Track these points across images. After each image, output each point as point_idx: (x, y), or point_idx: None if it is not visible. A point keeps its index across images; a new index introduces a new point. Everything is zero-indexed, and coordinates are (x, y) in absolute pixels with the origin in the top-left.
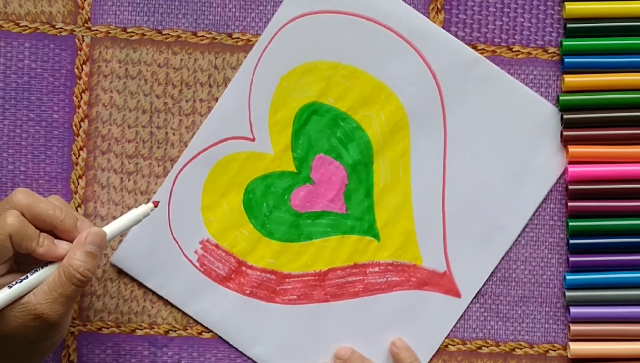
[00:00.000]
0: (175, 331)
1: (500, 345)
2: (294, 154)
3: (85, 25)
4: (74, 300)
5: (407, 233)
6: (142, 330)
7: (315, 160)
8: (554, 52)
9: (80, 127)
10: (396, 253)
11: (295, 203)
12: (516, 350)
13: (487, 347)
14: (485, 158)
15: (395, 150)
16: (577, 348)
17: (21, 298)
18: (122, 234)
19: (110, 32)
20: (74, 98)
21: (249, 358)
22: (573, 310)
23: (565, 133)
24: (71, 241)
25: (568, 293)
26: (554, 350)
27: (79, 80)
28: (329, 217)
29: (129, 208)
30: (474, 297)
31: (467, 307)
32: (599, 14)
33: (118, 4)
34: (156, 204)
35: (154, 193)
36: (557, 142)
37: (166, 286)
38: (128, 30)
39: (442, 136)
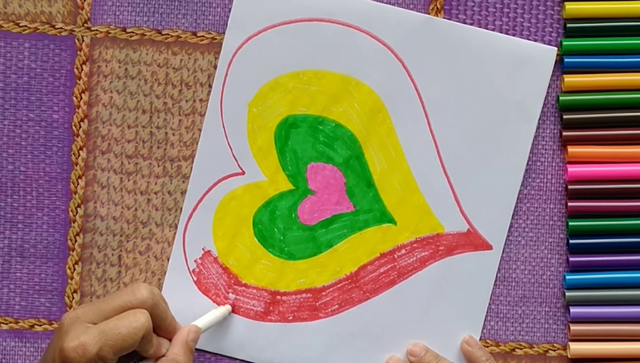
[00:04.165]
0: None
1: (500, 345)
2: (287, 173)
3: (85, 25)
4: None
5: (419, 206)
6: None
7: (308, 171)
8: None
9: (80, 127)
10: (416, 230)
11: (304, 218)
12: (516, 350)
13: (487, 347)
14: (467, 110)
15: (380, 134)
16: (577, 348)
17: None
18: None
19: (110, 33)
20: (74, 98)
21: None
22: (573, 310)
23: (564, 133)
24: (165, 336)
25: (568, 293)
26: (554, 350)
27: (79, 80)
28: (340, 220)
29: (129, 208)
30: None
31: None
32: (599, 14)
33: (118, 4)
34: (232, 307)
35: (154, 193)
36: (530, 73)
37: (213, 341)
38: (128, 30)
39: (420, 104)
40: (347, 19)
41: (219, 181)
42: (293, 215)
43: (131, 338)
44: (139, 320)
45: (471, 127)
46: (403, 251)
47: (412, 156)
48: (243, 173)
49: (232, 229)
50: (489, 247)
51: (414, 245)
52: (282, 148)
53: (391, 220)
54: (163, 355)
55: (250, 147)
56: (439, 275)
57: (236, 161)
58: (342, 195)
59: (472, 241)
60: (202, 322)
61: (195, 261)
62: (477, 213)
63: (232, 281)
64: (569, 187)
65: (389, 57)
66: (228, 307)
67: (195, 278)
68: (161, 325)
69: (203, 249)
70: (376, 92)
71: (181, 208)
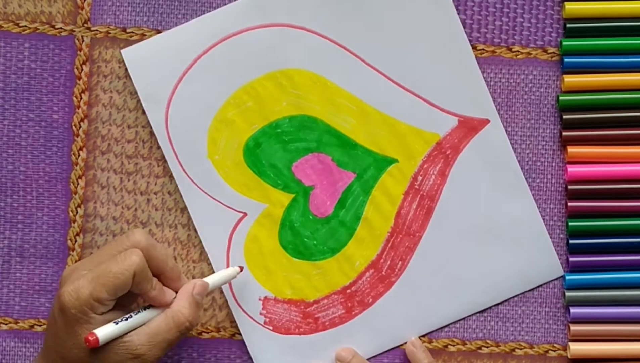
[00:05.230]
0: None
1: (500, 346)
2: (279, 187)
3: (85, 25)
4: (173, 345)
5: (406, 132)
6: None
7: (295, 172)
8: (553, 52)
9: (80, 127)
10: (417, 153)
11: (320, 212)
12: (516, 350)
13: (487, 347)
14: (391, 33)
15: (331, 99)
16: (577, 348)
17: (122, 335)
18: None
19: (110, 33)
20: (74, 98)
21: (249, 358)
22: (573, 310)
23: (564, 133)
24: (170, 285)
25: (568, 293)
26: (554, 351)
27: (79, 80)
28: (350, 192)
29: (129, 209)
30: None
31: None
32: (598, 14)
33: (118, 4)
34: (241, 268)
35: (154, 193)
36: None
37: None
38: (128, 30)
39: (349, 53)
40: (246, 24)
41: (231, 234)
42: (310, 217)
43: (122, 274)
44: (130, 257)
45: (400, 36)
46: (419, 178)
47: (369, 97)
48: (245, 214)
49: (270, 265)
50: (486, 121)
51: (425, 166)
52: (260, 171)
53: (392, 161)
54: (169, 306)
55: (234, 189)
56: (463, 174)
57: (232, 209)
58: (337, 171)
59: (469, 127)
60: (210, 279)
61: (260, 312)
62: (456, 102)
63: (301, 307)
64: (569, 187)
65: (304, 35)
66: (236, 268)
67: (271, 327)
68: (163, 271)
69: (259, 299)
70: (307, 69)
71: (181, 208)
